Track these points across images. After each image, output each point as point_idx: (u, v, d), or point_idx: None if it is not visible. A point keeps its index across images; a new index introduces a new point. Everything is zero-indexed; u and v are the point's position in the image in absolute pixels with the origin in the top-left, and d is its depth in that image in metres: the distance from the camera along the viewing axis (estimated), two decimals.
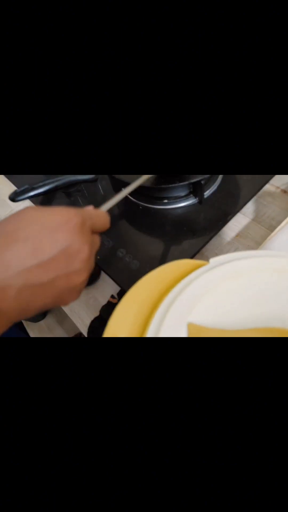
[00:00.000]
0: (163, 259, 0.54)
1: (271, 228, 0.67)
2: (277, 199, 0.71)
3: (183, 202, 0.60)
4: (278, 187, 0.70)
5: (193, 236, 0.55)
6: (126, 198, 0.65)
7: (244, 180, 0.63)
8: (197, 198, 0.59)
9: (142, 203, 0.62)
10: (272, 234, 0.55)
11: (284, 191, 0.72)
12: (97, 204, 0.37)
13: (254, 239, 0.66)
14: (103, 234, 0.59)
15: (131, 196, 0.65)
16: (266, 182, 0.63)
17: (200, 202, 0.59)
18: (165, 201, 0.60)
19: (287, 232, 0.52)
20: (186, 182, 0.54)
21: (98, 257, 0.57)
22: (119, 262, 0.55)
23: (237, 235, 0.67)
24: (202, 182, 0.56)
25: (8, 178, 0.80)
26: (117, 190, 0.54)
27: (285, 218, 0.67)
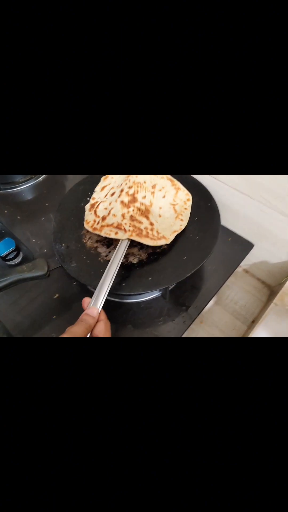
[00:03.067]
0: None
1: (235, 313, 0.65)
2: (240, 279, 0.70)
3: (147, 296, 0.57)
4: (240, 266, 0.68)
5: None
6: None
7: (209, 271, 0.60)
8: (160, 292, 0.56)
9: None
10: (251, 332, 0.53)
11: (246, 271, 0.70)
12: None
13: (218, 327, 0.64)
14: None
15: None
16: (230, 274, 0.60)
17: (164, 297, 0.57)
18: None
19: (263, 331, 0.50)
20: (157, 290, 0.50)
21: None
22: None
23: (201, 322, 0.64)
24: (170, 287, 0.52)
25: None
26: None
27: (247, 302, 0.66)
